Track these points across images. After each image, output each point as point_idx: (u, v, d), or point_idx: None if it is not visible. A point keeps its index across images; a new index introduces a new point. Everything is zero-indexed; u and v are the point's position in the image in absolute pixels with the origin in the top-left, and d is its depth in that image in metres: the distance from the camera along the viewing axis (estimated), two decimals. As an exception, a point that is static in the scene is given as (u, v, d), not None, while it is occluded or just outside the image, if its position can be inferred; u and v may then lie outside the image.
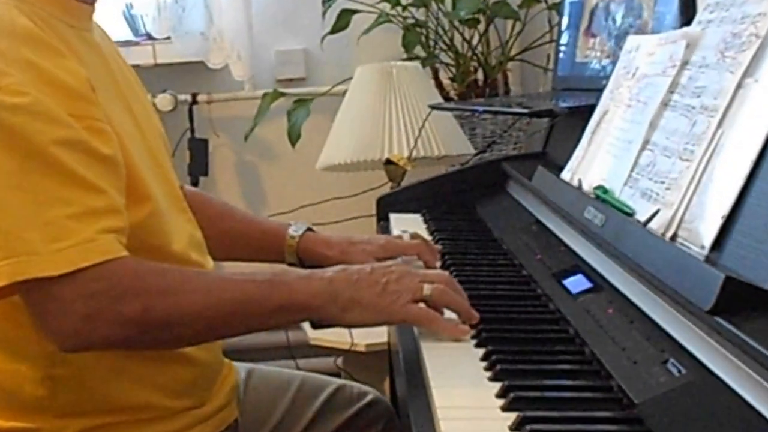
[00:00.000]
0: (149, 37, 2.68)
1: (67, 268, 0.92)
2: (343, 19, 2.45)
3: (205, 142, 2.73)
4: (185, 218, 1.19)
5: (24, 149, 0.93)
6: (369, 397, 1.39)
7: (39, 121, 0.94)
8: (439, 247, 1.37)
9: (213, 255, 1.24)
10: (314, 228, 1.36)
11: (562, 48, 1.79)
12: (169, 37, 2.62)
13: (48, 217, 0.92)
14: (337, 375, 2.20)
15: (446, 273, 1.10)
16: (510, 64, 2.54)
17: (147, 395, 1.09)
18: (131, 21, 2.70)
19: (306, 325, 2.09)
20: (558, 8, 2.06)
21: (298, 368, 2.28)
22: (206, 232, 1.24)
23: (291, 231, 1.33)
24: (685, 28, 1.13)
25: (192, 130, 2.72)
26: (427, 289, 1.01)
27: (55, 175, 0.94)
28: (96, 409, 1.07)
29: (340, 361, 2.16)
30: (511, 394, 0.82)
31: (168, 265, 1.05)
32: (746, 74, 0.94)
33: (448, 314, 1.04)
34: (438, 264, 1.30)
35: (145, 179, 1.07)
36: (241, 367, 1.35)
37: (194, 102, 2.71)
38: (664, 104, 1.10)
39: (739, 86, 0.95)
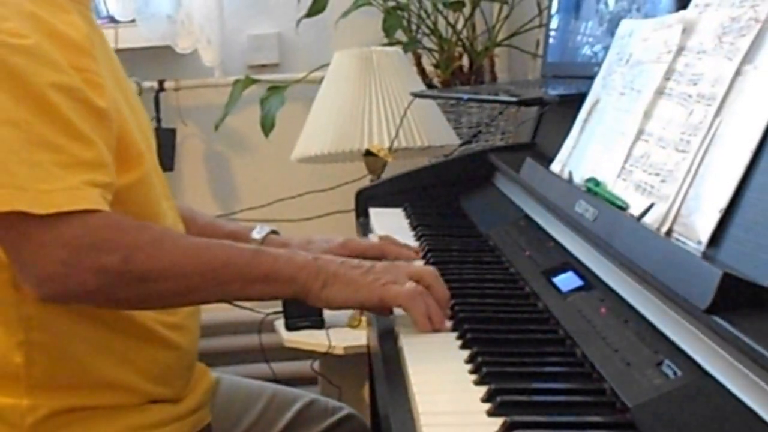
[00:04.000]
0: (112, 19, 2.66)
1: (50, 209, 0.97)
2: (320, 2, 2.45)
3: (173, 131, 2.72)
4: (169, 205, 1.22)
5: (21, 88, 0.98)
6: (343, 413, 1.41)
7: (38, 63, 0.99)
8: (416, 246, 1.37)
9: None
10: (278, 230, 1.38)
11: (552, 33, 1.80)
12: (133, 20, 2.61)
13: (36, 158, 0.98)
14: (314, 379, 2.21)
15: (433, 270, 1.11)
16: (497, 50, 2.55)
17: (125, 375, 1.11)
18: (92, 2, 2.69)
19: (280, 327, 2.11)
20: (548, -9, 2.07)
21: (273, 372, 2.29)
22: None
23: (254, 234, 1.36)
24: (681, 12, 1.14)
25: (158, 120, 2.71)
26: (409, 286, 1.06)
27: (49, 119, 0.99)
28: (72, 385, 1.08)
29: (316, 364, 2.16)
30: (498, 398, 0.82)
31: (151, 223, 1.10)
32: (745, 61, 0.95)
33: None
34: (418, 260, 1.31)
35: (138, 144, 1.11)
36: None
37: (161, 89, 2.70)
38: (659, 92, 1.11)
39: (737, 73, 0.95)
